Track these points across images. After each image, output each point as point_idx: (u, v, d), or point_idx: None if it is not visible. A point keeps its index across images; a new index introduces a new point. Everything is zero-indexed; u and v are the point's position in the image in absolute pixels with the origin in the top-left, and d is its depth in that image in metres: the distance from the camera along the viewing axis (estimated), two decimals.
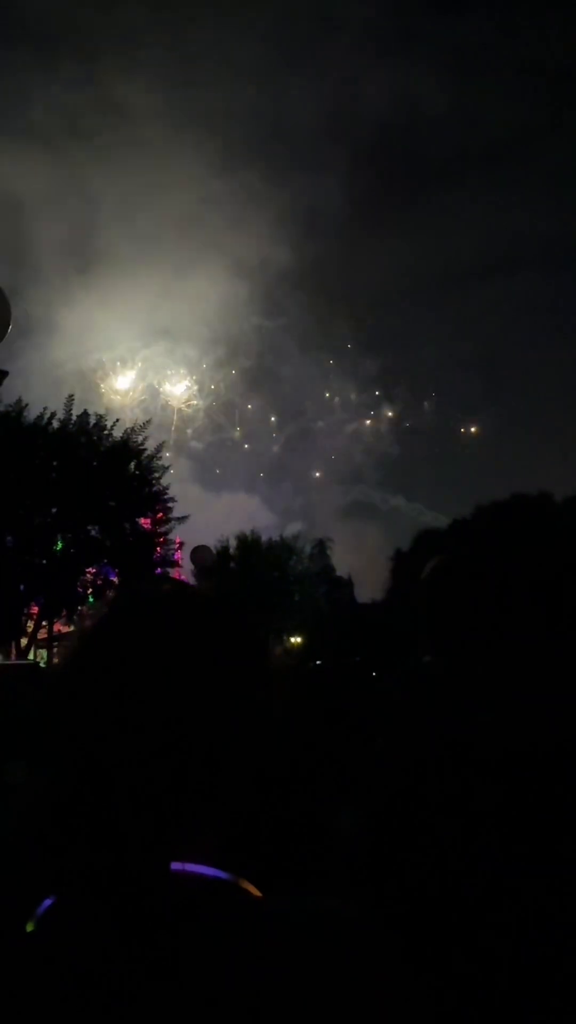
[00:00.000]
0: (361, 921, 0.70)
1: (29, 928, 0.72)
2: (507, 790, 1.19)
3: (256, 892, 0.71)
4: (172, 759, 0.70)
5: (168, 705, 0.71)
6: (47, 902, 0.71)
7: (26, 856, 0.74)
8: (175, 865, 0.68)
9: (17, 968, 0.70)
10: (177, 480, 22.71)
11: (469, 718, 1.28)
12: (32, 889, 0.73)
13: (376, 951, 0.68)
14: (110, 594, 0.81)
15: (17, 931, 0.72)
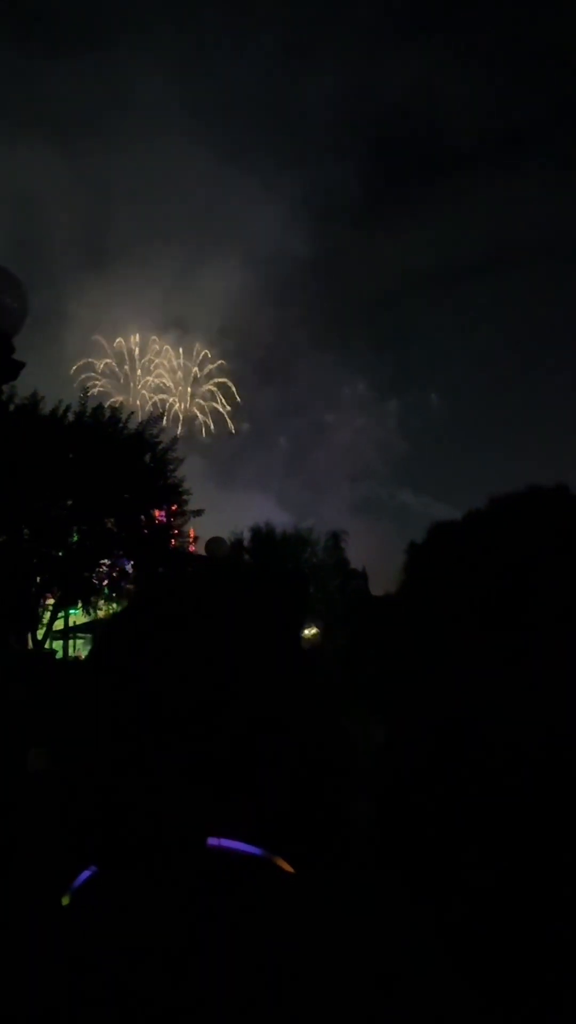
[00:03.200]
0: (391, 896, 0.71)
1: (64, 902, 0.73)
2: (525, 772, 1.20)
3: (289, 868, 0.72)
4: (211, 735, 0.71)
5: (206, 680, 0.72)
6: (83, 876, 0.72)
7: (60, 832, 0.76)
8: (211, 841, 0.69)
9: (53, 940, 0.71)
10: (188, 476, 22.76)
11: (484, 702, 1.28)
12: (67, 864, 0.74)
13: (407, 926, 0.69)
14: (143, 576, 0.82)
15: (53, 904, 0.73)
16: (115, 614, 0.80)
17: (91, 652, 0.83)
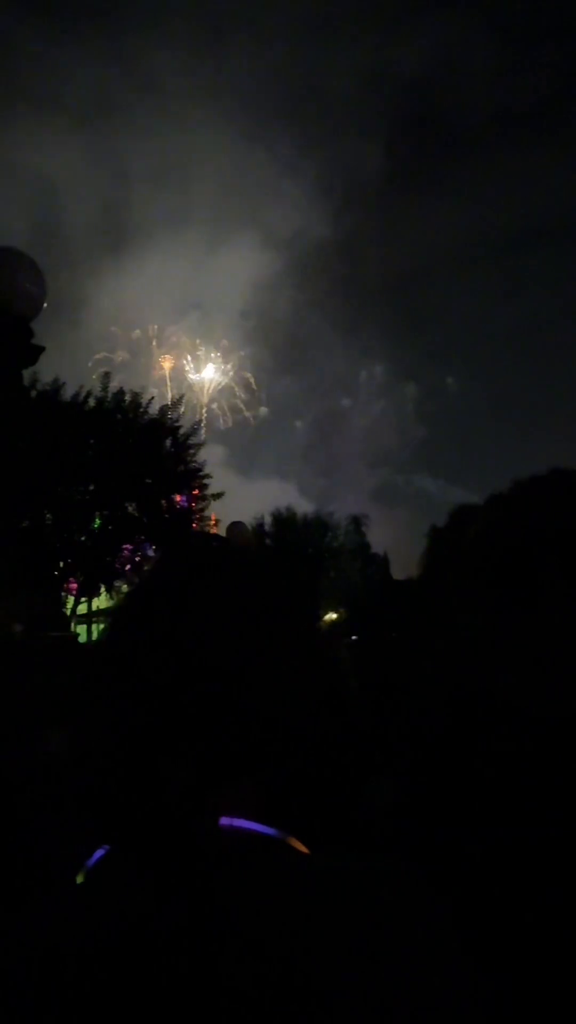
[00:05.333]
0: (410, 878, 0.69)
1: (79, 880, 0.72)
2: (543, 754, 1.18)
3: (304, 849, 0.71)
4: (222, 712, 0.70)
5: (220, 656, 0.71)
6: (97, 854, 0.72)
7: (77, 810, 0.75)
8: (223, 820, 0.68)
9: (68, 919, 0.71)
10: (209, 463, 22.82)
11: (507, 683, 1.26)
12: (83, 842, 0.73)
13: (426, 909, 0.67)
14: (159, 552, 0.81)
15: (68, 883, 0.73)
16: (127, 593, 0.79)
17: (103, 631, 0.82)
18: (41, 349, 5.40)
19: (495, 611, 1.40)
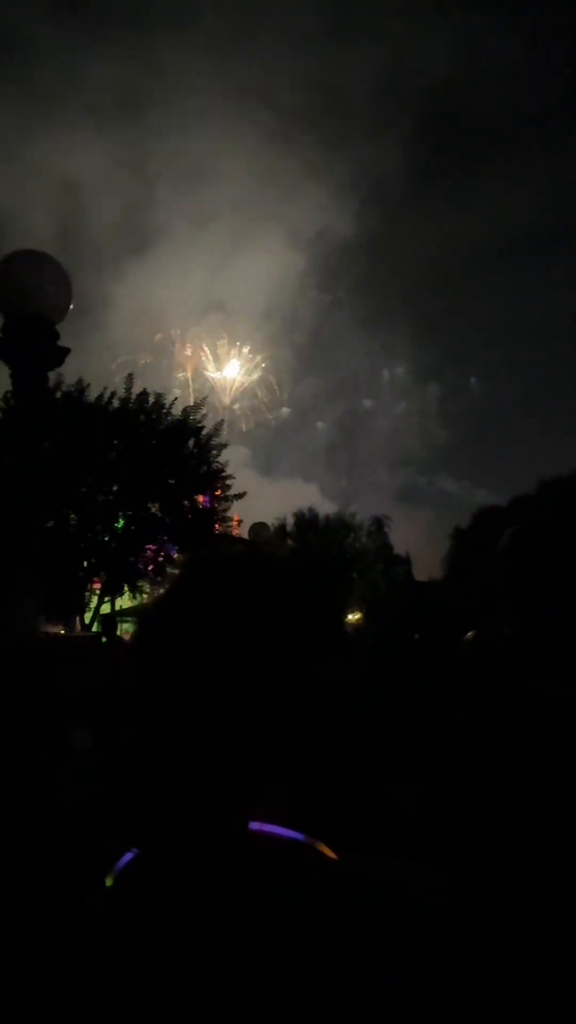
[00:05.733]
0: (438, 883, 0.69)
1: (108, 883, 0.73)
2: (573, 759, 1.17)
3: (331, 854, 0.71)
4: (249, 717, 0.69)
5: (246, 663, 0.70)
6: (126, 857, 0.72)
7: (105, 813, 0.75)
8: (253, 825, 0.68)
9: (96, 921, 0.71)
10: (231, 464, 22.82)
11: (542, 687, 1.25)
12: (112, 845, 0.74)
13: (455, 913, 0.67)
14: (185, 557, 0.81)
15: (97, 885, 0.73)
16: (158, 596, 0.79)
17: (134, 634, 0.82)
18: (66, 351, 5.44)
19: (530, 617, 1.39)
